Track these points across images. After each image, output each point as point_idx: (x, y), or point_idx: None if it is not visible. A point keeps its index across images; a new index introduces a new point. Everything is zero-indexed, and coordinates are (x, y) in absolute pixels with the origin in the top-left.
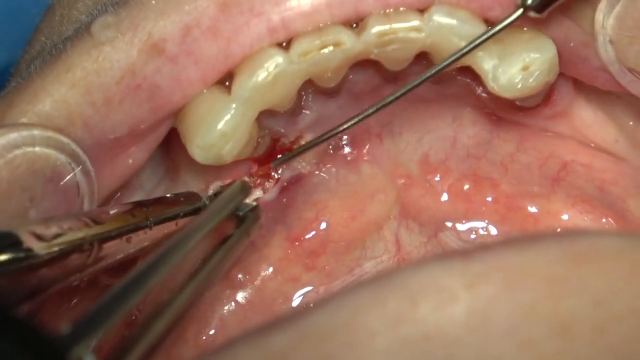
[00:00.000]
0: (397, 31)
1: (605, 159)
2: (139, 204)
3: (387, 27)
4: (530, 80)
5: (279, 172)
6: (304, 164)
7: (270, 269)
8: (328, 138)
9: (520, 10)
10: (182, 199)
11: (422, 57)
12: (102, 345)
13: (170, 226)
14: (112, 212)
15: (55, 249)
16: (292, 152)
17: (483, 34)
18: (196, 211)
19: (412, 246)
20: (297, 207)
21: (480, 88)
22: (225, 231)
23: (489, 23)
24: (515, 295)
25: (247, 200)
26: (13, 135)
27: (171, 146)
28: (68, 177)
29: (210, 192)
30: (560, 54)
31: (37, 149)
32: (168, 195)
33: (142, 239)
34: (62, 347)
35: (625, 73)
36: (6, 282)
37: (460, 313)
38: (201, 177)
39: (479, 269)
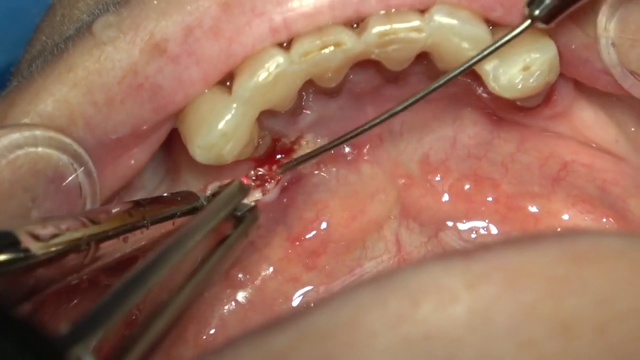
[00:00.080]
0: (398, 31)
1: (606, 159)
2: (136, 204)
3: (387, 27)
4: (531, 80)
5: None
6: (304, 164)
7: (271, 269)
8: (338, 144)
9: (528, 22)
10: (179, 198)
11: (423, 58)
12: (102, 344)
13: (167, 225)
14: (109, 211)
15: (53, 249)
16: (301, 157)
17: (491, 45)
18: (193, 210)
19: (413, 246)
20: (297, 207)
21: (481, 88)
22: (224, 231)
23: (490, 23)
24: (516, 295)
25: (246, 201)
26: (15, 136)
27: (172, 146)
28: (70, 178)
29: (209, 192)
30: (561, 55)
31: (39, 149)
32: (165, 194)
33: (139, 238)
34: (61, 347)
35: (627, 76)
36: (4, 282)
37: (461, 313)
38: (202, 177)
39: (479, 269)
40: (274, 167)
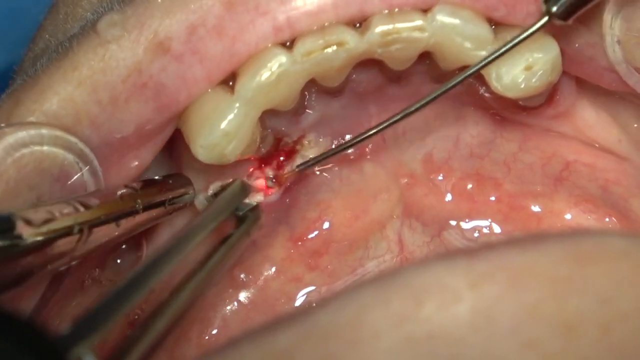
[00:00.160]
0: (401, 31)
1: (608, 158)
2: (128, 188)
3: (390, 26)
4: (534, 80)
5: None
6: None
7: (273, 269)
8: (352, 145)
9: (546, 18)
10: (170, 181)
11: (426, 57)
12: (104, 344)
13: (159, 209)
14: (101, 196)
15: (42, 237)
16: (317, 157)
17: (508, 42)
18: (184, 194)
19: (415, 245)
20: (300, 207)
21: (484, 88)
22: (226, 231)
23: (493, 23)
24: (519, 294)
25: (247, 200)
26: (21, 134)
27: (174, 146)
28: (76, 177)
29: (210, 192)
30: (564, 54)
31: (45, 148)
32: (157, 177)
33: (131, 222)
34: (62, 347)
35: (633, 73)
36: None
37: (464, 312)
38: (204, 177)
39: (483, 269)
40: (288, 168)
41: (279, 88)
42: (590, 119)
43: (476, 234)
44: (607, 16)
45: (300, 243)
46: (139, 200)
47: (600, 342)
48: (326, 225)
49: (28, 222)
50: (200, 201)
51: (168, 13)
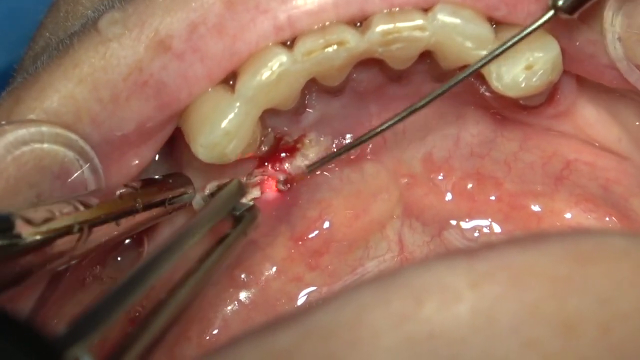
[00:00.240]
0: (401, 30)
1: (609, 157)
2: (128, 187)
3: (391, 26)
4: (534, 79)
5: (284, 169)
6: (307, 162)
7: (274, 269)
8: (360, 144)
9: (552, 12)
10: (170, 180)
11: (426, 56)
12: (105, 341)
13: (159, 208)
14: (101, 195)
15: (41, 236)
16: (332, 154)
17: (514, 36)
18: (184, 194)
19: (415, 245)
20: (300, 206)
21: (484, 87)
22: (222, 231)
23: (494, 22)
24: (520, 294)
25: (244, 200)
26: (21, 132)
27: (174, 145)
28: (76, 174)
29: (207, 191)
30: (565, 52)
31: (45, 145)
32: (156, 177)
33: (131, 221)
34: (60, 348)
35: (634, 70)
36: None
37: (464, 312)
38: (204, 176)
39: (483, 269)
40: (291, 166)
41: (280, 87)
42: (591, 117)
43: (476, 234)
44: (608, 13)
45: (300, 242)
46: (139, 200)
47: (600, 342)
48: (326, 224)
49: (28, 222)
50: (197, 201)
51: (169, 11)
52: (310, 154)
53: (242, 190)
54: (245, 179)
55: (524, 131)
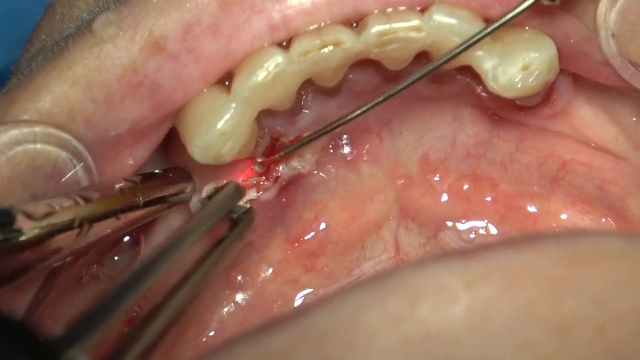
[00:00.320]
0: (397, 31)
1: (605, 158)
2: (128, 182)
3: (387, 26)
4: (530, 79)
5: (279, 169)
6: (303, 163)
7: (270, 270)
8: (326, 132)
9: None
10: (170, 175)
11: (423, 57)
12: (102, 342)
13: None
14: (102, 190)
15: (42, 231)
16: (300, 142)
17: (497, 20)
18: (184, 188)
19: (411, 247)
20: (296, 207)
21: (480, 87)
22: (219, 233)
23: (489, 22)
24: (515, 295)
25: (241, 203)
26: (14, 132)
27: (170, 145)
28: (69, 174)
29: (204, 194)
30: (560, 50)
31: (38, 145)
32: (157, 171)
33: (131, 216)
34: (57, 350)
35: (628, 66)
36: None
37: (460, 313)
38: (200, 176)
39: (479, 269)
40: (286, 167)
41: (276, 88)
42: (588, 117)
43: (472, 235)
44: (601, 10)
45: (296, 244)
46: (139, 194)
47: (596, 343)
48: (323, 226)
49: (28, 216)
50: (194, 203)
51: (163, 12)
52: (306, 154)
53: (239, 192)
54: (241, 180)
55: (520, 132)
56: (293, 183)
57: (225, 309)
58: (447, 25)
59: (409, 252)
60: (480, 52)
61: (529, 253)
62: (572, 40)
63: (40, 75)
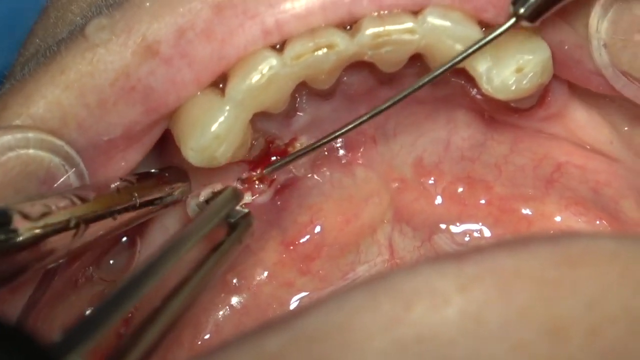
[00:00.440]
0: (391, 33)
1: (600, 160)
2: (124, 181)
3: (380, 29)
4: (524, 82)
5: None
6: (298, 166)
7: (265, 274)
8: (324, 144)
9: (513, 20)
10: (167, 174)
11: (417, 59)
12: (98, 346)
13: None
14: (98, 189)
15: (39, 230)
16: (287, 158)
17: (477, 42)
18: (181, 188)
19: (406, 250)
20: (291, 211)
21: (475, 90)
22: (218, 238)
23: (483, 25)
24: (508, 297)
25: (239, 207)
26: (7, 138)
27: (164, 148)
28: (62, 179)
29: (201, 198)
30: (554, 56)
31: (30, 151)
32: (153, 170)
33: (127, 215)
34: (54, 355)
35: (619, 77)
36: None
37: (453, 315)
38: (195, 179)
39: (472, 272)
40: (261, 170)
41: (270, 91)
42: (582, 120)
43: (467, 238)
44: (593, 19)
45: (292, 247)
46: (135, 194)
47: (589, 344)
48: (318, 229)
49: (25, 216)
50: (192, 208)
51: (156, 17)
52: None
53: (237, 197)
54: (236, 182)
55: (515, 134)
56: (288, 186)
57: (221, 312)
58: (441, 28)
59: (404, 256)
60: (474, 55)
61: (522, 255)
62: (565, 47)
63: (33, 80)
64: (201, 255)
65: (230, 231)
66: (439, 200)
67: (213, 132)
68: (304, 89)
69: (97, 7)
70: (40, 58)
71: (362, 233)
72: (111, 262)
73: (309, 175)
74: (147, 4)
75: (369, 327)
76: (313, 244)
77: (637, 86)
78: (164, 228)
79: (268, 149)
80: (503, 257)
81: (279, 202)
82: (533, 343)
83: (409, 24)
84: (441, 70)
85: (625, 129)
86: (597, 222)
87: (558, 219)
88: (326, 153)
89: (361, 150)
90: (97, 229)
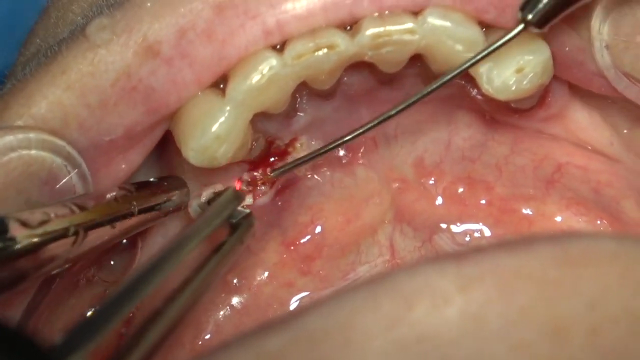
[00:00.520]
0: (391, 33)
1: (600, 160)
2: (123, 190)
3: (381, 29)
4: (525, 82)
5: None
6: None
7: (266, 274)
8: (332, 149)
9: (521, 26)
10: (165, 183)
11: (417, 60)
12: (99, 347)
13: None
14: (97, 198)
15: (37, 239)
16: (295, 161)
17: (484, 50)
18: (179, 197)
19: (406, 251)
20: (292, 211)
21: (475, 90)
22: (219, 238)
23: (484, 25)
24: (509, 297)
25: (240, 208)
26: (9, 138)
27: (165, 148)
28: (64, 180)
29: (203, 199)
30: (555, 58)
31: (32, 151)
32: (151, 179)
33: (126, 224)
34: (55, 358)
35: (621, 78)
36: None
37: (453, 315)
38: (195, 180)
39: (472, 272)
40: (267, 171)
41: (270, 91)
42: (583, 121)
43: (467, 238)
44: (595, 21)
45: (292, 247)
46: (134, 203)
47: (589, 344)
48: (318, 229)
49: (24, 224)
50: (193, 209)
51: (157, 17)
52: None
53: (238, 198)
54: (241, 185)
55: (515, 134)
56: (289, 186)
57: (221, 312)
58: (441, 28)
59: (404, 256)
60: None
61: (523, 255)
62: (566, 49)
63: (34, 80)
64: (202, 256)
65: (232, 232)
66: (439, 200)
67: (214, 132)
68: (304, 89)
69: (98, 7)
70: (42, 58)
71: (362, 233)
72: (112, 263)
73: (310, 176)
74: (148, 4)
75: (370, 327)
76: (314, 244)
77: (639, 88)
78: (165, 229)
79: (268, 149)
80: (504, 257)
81: (279, 203)
82: (534, 343)
83: (410, 25)
84: (450, 76)
85: (626, 130)
86: (598, 222)
87: (559, 219)
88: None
89: (362, 150)
90: (96, 237)
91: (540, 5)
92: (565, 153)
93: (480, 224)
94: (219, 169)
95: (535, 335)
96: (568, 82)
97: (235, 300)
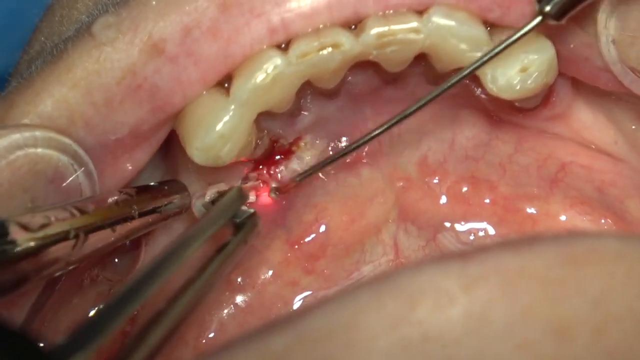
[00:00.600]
0: (396, 32)
1: (604, 160)
2: (124, 194)
3: (385, 28)
4: (529, 81)
5: (279, 172)
6: (303, 165)
7: (270, 273)
8: (351, 151)
9: (539, 18)
10: (166, 187)
11: (421, 59)
12: (103, 346)
13: (155, 215)
14: (97, 201)
15: (35, 242)
16: (318, 165)
17: (502, 42)
18: (180, 200)
19: (411, 250)
20: (296, 210)
21: (479, 89)
22: (223, 238)
23: (488, 24)
24: (513, 297)
25: (244, 207)
26: (15, 136)
27: (170, 147)
28: (70, 179)
29: (207, 198)
30: (560, 54)
31: (39, 150)
32: (152, 183)
33: (127, 228)
34: (58, 358)
35: (628, 73)
36: None
37: (457, 315)
38: (200, 179)
39: (476, 271)
40: (285, 169)
41: (274, 90)
42: (587, 120)
43: (471, 237)
44: (602, 16)
45: (297, 246)
46: (134, 206)
47: (594, 344)
48: (323, 228)
49: (23, 227)
50: (197, 208)
51: (162, 15)
52: (305, 157)
53: (242, 197)
54: (240, 182)
55: (519, 133)
56: (293, 186)
57: (225, 311)
58: (446, 27)
59: (408, 255)
60: (479, 54)
61: (527, 255)
62: (572, 45)
63: (40, 78)
64: (206, 256)
65: (236, 231)
66: (443, 199)
67: (218, 131)
68: (308, 89)
69: (103, 5)
70: (47, 56)
71: (367, 232)
72: (117, 261)
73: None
74: (154, 2)
75: (374, 327)
76: (318, 243)
77: None
78: (169, 228)
79: (273, 148)
80: (508, 256)
81: (284, 201)
82: (538, 342)
83: (414, 24)
84: (468, 71)
85: (632, 128)
86: (602, 222)
87: (563, 218)
88: (331, 152)
89: (366, 149)
90: (96, 240)
91: None
92: (570, 152)
93: (485, 223)
94: (223, 167)
95: (539, 335)
96: (572, 81)
97: (239, 299)
